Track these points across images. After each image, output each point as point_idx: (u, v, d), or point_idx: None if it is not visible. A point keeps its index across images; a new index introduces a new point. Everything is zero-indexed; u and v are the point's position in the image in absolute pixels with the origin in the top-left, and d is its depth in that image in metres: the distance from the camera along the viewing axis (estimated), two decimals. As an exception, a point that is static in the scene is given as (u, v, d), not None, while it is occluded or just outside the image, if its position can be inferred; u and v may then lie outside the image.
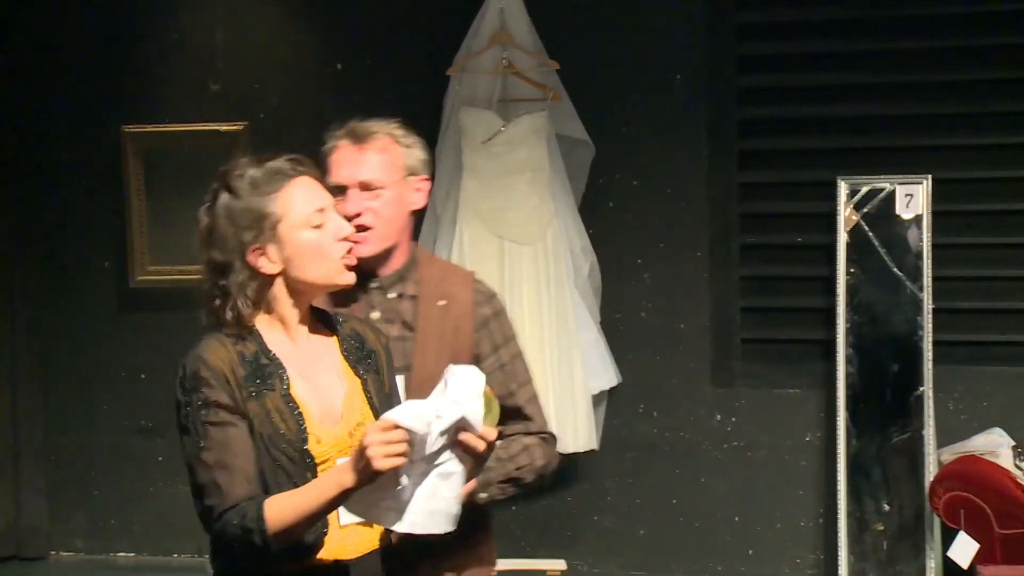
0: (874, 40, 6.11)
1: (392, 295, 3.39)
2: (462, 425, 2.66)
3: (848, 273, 5.86)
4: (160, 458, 6.62)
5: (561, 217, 6.06)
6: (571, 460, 6.10)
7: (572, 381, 5.96)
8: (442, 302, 3.31)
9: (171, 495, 6.60)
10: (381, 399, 2.99)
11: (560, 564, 5.79)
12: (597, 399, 6.14)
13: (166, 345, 6.63)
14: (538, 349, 5.91)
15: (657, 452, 6.28)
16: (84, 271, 6.69)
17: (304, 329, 2.97)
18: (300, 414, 2.85)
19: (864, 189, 5.88)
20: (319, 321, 3.01)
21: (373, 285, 3.37)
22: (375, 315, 3.34)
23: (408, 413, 2.63)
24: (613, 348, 6.17)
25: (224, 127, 6.43)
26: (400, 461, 2.60)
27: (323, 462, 2.85)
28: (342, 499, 2.69)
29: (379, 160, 3.44)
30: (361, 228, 3.27)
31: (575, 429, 5.95)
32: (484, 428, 2.69)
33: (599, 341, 6.13)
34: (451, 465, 2.70)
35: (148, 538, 6.76)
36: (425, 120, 6.21)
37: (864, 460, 5.82)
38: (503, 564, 5.73)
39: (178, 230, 6.50)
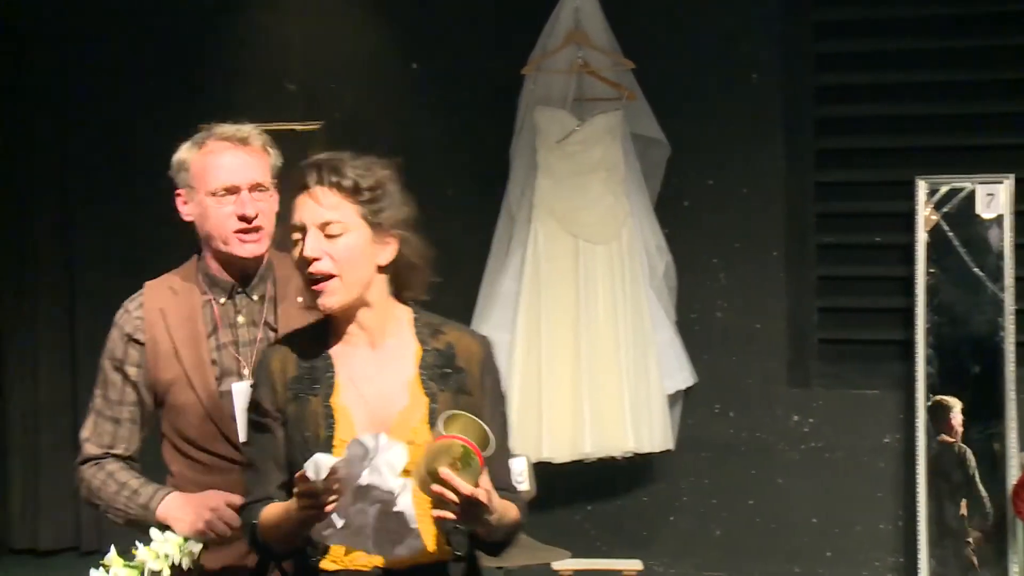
0: (954, 37, 6.04)
1: (255, 297, 3.38)
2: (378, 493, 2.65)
3: (928, 273, 5.80)
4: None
5: (636, 216, 6.05)
6: (646, 460, 6.09)
7: (647, 381, 5.95)
8: (300, 299, 3.16)
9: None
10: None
11: (636, 564, 5.77)
12: (672, 399, 6.12)
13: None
14: (613, 349, 5.91)
15: (733, 452, 6.25)
16: (165, 269, 6.74)
17: (388, 336, 2.94)
18: (333, 423, 2.84)
19: (944, 189, 5.81)
20: (412, 329, 2.96)
21: (238, 289, 3.37)
22: (240, 319, 3.34)
23: (319, 465, 2.63)
24: (688, 348, 6.14)
25: (300, 126, 6.46)
26: (312, 512, 2.66)
27: None
28: (305, 524, 2.71)
29: (261, 162, 3.40)
30: (256, 229, 3.29)
31: (650, 429, 5.94)
32: (460, 483, 2.65)
33: (674, 341, 6.11)
34: (401, 502, 2.67)
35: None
36: (499, 119, 6.24)
37: (944, 463, 5.76)
38: (579, 564, 5.74)
39: (255, 229, 6.56)
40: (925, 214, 5.82)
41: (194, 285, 3.36)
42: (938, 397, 5.78)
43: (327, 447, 2.79)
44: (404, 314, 2.97)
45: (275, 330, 3.32)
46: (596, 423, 5.87)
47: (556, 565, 5.62)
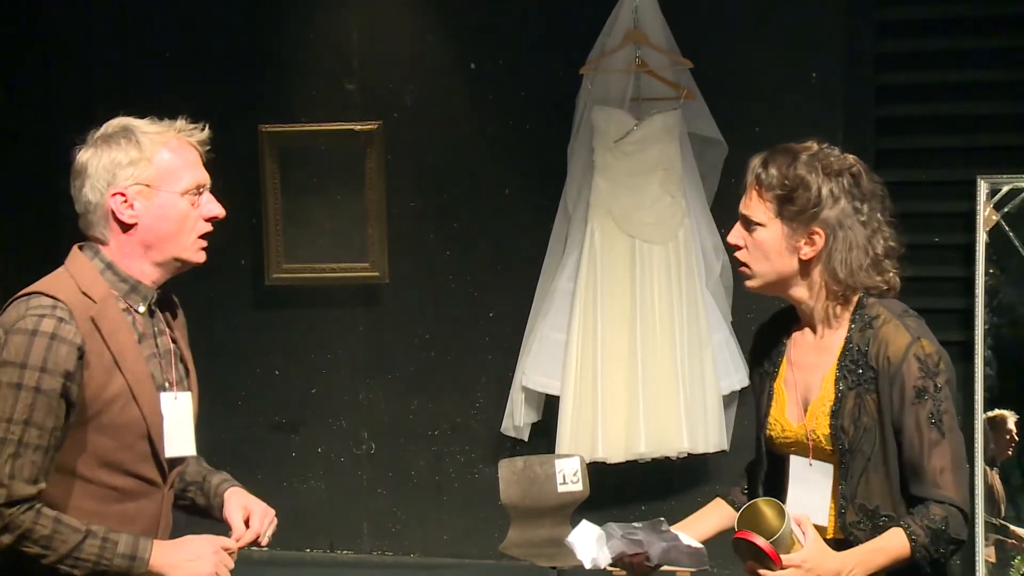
0: (1015, 36, 5.98)
1: (158, 306, 3.25)
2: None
3: (987, 274, 5.75)
4: (293, 454, 6.71)
5: (693, 216, 6.03)
6: (701, 461, 6.07)
7: (703, 381, 5.93)
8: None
9: (304, 490, 6.68)
10: (879, 419, 2.97)
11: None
12: (727, 400, 6.10)
13: (300, 342, 6.73)
14: (669, 349, 5.90)
15: (789, 454, 6.21)
16: (221, 269, 6.79)
17: (830, 326, 3.07)
18: (770, 402, 3.11)
19: (1005, 188, 5.77)
20: (848, 321, 3.05)
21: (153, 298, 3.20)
22: (156, 328, 3.19)
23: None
24: (744, 349, 6.11)
25: (359, 126, 6.49)
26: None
27: (789, 444, 3.09)
28: None
29: None
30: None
31: (705, 430, 5.92)
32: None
33: (730, 341, 6.09)
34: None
35: (281, 533, 6.80)
36: (557, 119, 6.24)
37: (1003, 464, 5.71)
38: (632, 564, 5.73)
39: (313, 229, 6.58)
40: (985, 214, 5.77)
41: (108, 291, 3.04)
42: (994, 413, 5.72)
43: (762, 424, 3.16)
44: (852, 304, 3.07)
45: (175, 340, 3.20)
46: (651, 423, 5.86)
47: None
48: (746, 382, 6.12)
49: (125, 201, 3.05)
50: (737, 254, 3.13)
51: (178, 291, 7.20)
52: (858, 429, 2.96)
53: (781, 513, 2.83)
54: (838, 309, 3.05)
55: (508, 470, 5.62)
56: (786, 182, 3.01)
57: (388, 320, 6.66)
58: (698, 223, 6.07)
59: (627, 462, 5.92)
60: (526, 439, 6.28)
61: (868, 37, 6.15)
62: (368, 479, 6.69)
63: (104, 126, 3.13)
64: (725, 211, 6.17)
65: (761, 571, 2.84)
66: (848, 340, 3.01)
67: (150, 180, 3.06)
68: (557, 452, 5.90)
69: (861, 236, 3.04)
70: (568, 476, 5.65)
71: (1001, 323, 5.75)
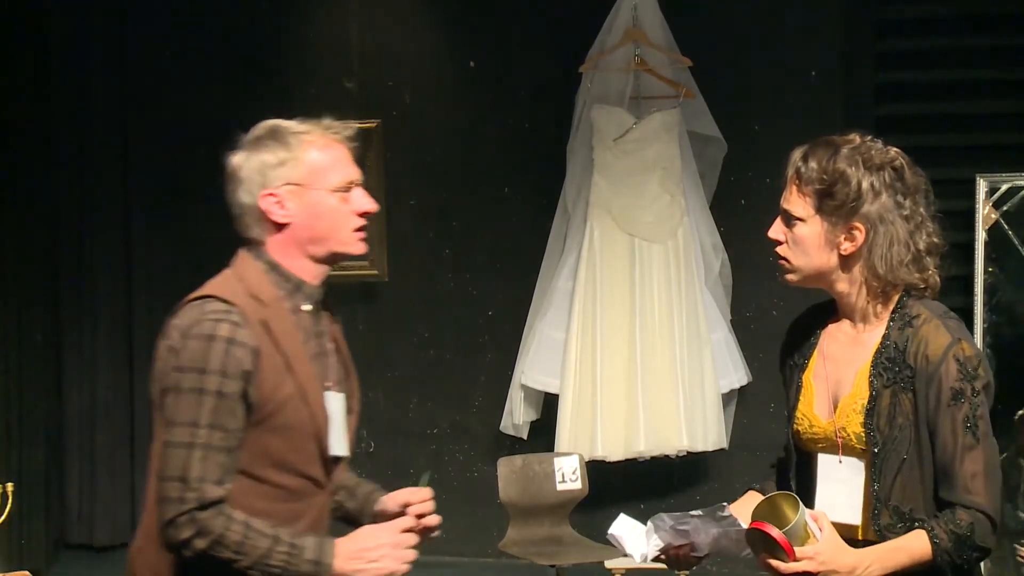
0: (1014, 35, 5.99)
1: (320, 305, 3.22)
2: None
3: (986, 272, 5.76)
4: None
5: (692, 215, 6.03)
6: (700, 459, 6.07)
7: (702, 380, 5.94)
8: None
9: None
10: (914, 421, 2.93)
11: (689, 563, 5.75)
12: (727, 398, 6.10)
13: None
14: (668, 347, 5.90)
15: (788, 452, 6.22)
16: (221, 267, 6.78)
17: (869, 321, 3.02)
18: (798, 396, 3.07)
19: (1004, 187, 5.77)
20: (888, 318, 3.01)
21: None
22: (318, 328, 3.17)
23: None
24: (744, 347, 6.12)
25: (358, 124, 6.44)
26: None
27: (817, 440, 3.03)
28: None
29: None
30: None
31: (704, 428, 5.92)
32: (776, 566, 2.83)
33: (729, 340, 6.10)
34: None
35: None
36: (556, 117, 6.24)
37: (1002, 464, 5.70)
38: (631, 562, 5.72)
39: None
40: (984, 212, 5.77)
41: (276, 292, 3.05)
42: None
43: (791, 418, 3.09)
44: (893, 301, 3.01)
45: (334, 340, 3.20)
46: (650, 422, 5.87)
47: (609, 563, 5.62)
48: (745, 380, 6.13)
49: (277, 201, 3.05)
50: (777, 249, 3.05)
51: (177, 290, 7.19)
52: (893, 428, 2.90)
53: (797, 507, 2.81)
54: (879, 307, 2.99)
55: (507, 468, 5.62)
56: (825, 176, 2.95)
57: (387, 318, 6.67)
58: (697, 221, 6.07)
59: (626, 460, 5.92)
60: (525, 437, 6.28)
61: (867, 35, 6.15)
62: (367, 477, 6.68)
63: (253, 129, 3.14)
64: (724, 209, 6.18)
65: (774, 562, 2.79)
66: (886, 337, 2.96)
67: (300, 179, 3.05)
68: (556, 450, 5.90)
69: (903, 231, 2.98)
70: (567, 474, 5.66)
71: (1000, 321, 5.75)
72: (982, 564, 5.18)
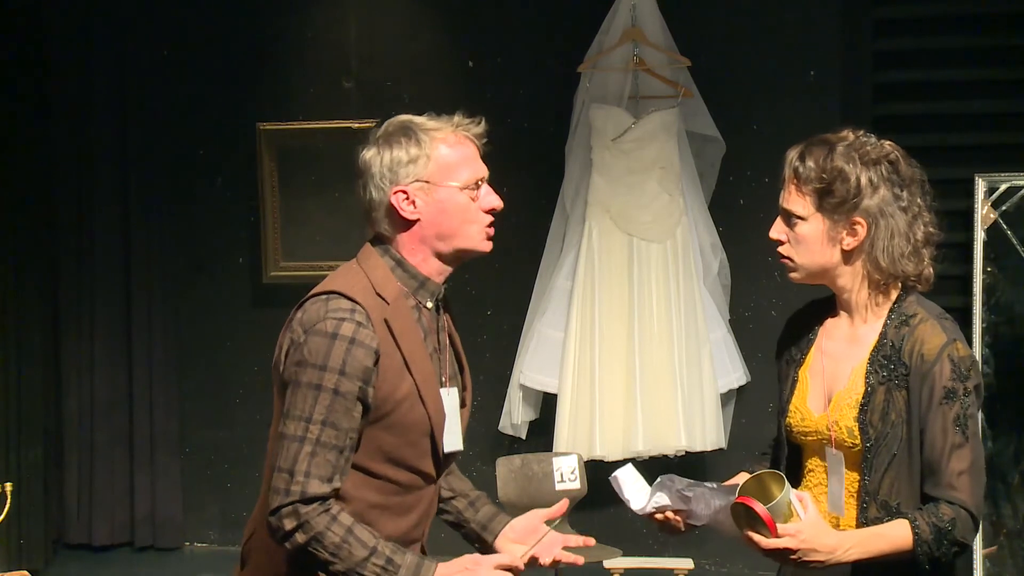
0: (1012, 35, 5.99)
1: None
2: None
3: (985, 272, 5.76)
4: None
5: (691, 214, 6.03)
6: (699, 459, 6.07)
7: (700, 379, 5.94)
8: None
9: (302, 488, 6.67)
10: (907, 418, 2.95)
11: (687, 563, 5.76)
12: (725, 398, 6.10)
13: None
14: (666, 347, 5.90)
15: (787, 452, 6.22)
16: (220, 267, 6.80)
17: (865, 316, 3.06)
18: (792, 390, 3.10)
19: (1003, 187, 5.77)
20: (885, 315, 3.04)
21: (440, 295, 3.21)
22: (438, 325, 3.20)
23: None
24: (742, 346, 6.12)
25: (357, 124, 6.48)
26: None
27: (808, 434, 3.07)
28: None
29: None
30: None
31: (703, 428, 5.92)
32: (758, 540, 2.89)
33: (728, 339, 6.10)
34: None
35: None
36: (555, 117, 6.24)
37: (1000, 463, 5.71)
38: (630, 562, 5.73)
39: (311, 227, 6.58)
40: (983, 212, 5.77)
41: (399, 289, 3.06)
42: None
43: (784, 409, 3.13)
44: (892, 296, 3.05)
45: (449, 335, 3.23)
46: (649, 421, 5.87)
47: (608, 563, 5.62)
48: (744, 380, 6.13)
49: (407, 198, 3.05)
50: (779, 248, 3.09)
51: (177, 289, 7.19)
52: (885, 424, 2.94)
53: (783, 485, 2.83)
54: (880, 299, 3.04)
55: (506, 468, 5.62)
56: (824, 175, 2.99)
57: (386, 318, 6.66)
58: (696, 221, 6.07)
59: (625, 460, 5.92)
60: (524, 437, 6.28)
61: (866, 35, 6.15)
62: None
63: (384, 124, 3.14)
64: (723, 209, 6.18)
65: (755, 537, 2.83)
66: (883, 335, 3.00)
67: (430, 176, 3.06)
68: (555, 450, 5.90)
69: (902, 223, 3.03)
70: (566, 474, 5.65)
71: (999, 321, 5.75)
72: (981, 564, 5.19)
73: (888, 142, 3.08)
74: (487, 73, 6.51)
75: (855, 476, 3.00)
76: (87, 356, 6.87)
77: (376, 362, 2.95)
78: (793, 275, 3.10)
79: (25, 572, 5.57)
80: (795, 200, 3.04)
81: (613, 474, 3.11)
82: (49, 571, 6.72)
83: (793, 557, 2.84)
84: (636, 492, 3.08)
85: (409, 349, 3.01)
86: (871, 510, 2.97)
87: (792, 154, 3.07)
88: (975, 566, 5.71)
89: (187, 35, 6.76)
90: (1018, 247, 5.73)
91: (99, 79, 6.77)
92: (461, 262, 3.17)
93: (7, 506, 5.53)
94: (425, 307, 3.11)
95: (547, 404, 6.16)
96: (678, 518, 3.05)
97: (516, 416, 6.20)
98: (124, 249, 6.83)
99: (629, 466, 3.13)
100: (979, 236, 5.76)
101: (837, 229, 3.01)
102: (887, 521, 2.93)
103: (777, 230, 3.09)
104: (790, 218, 3.05)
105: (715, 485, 3.04)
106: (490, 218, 3.12)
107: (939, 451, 2.90)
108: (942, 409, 2.92)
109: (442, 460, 3.15)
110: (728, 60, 6.23)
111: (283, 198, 6.61)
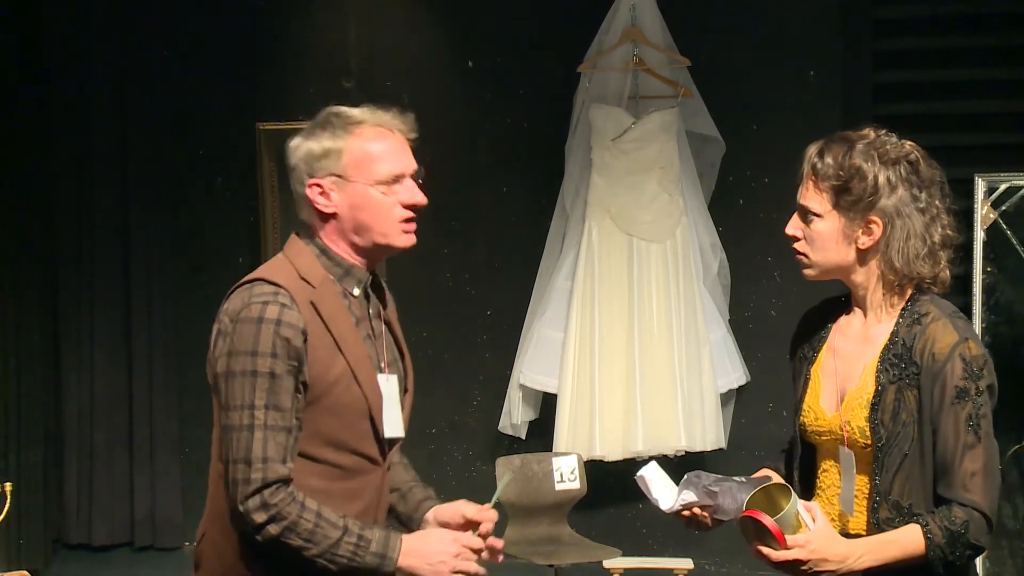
0: (1012, 35, 5.99)
1: (376, 290, 3.26)
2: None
3: (984, 272, 5.76)
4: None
5: (690, 214, 6.03)
6: (699, 459, 6.07)
7: (700, 379, 5.94)
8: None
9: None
10: (918, 418, 2.94)
11: (687, 563, 5.76)
12: (725, 398, 6.10)
13: (298, 340, 6.72)
14: (666, 347, 5.90)
15: (787, 452, 6.22)
16: (220, 267, 6.79)
17: (879, 314, 3.04)
18: (805, 388, 3.09)
19: (1002, 187, 5.77)
20: (898, 314, 3.02)
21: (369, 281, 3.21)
22: (370, 311, 3.20)
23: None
24: (742, 347, 6.12)
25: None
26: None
27: (821, 433, 3.06)
28: None
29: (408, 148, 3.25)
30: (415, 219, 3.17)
31: (703, 428, 5.92)
32: (768, 553, 2.87)
33: (728, 339, 6.10)
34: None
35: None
36: (555, 117, 6.24)
37: (1000, 463, 5.70)
38: (630, 562, 5.73)
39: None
40: (983, 212, 5.77)
41: (325, 275, 3.07)
42: None
43: (798, 408, 3.11)
44: (906, 296, 3.03)
45: (387, 323, 3.24)
46: (649, 422, 5.87)
47: (607, 563, 5.62)
48: (744, 380, 6.13)
49: (322, 192, 3.06)
50: (795, 245, 3.08)
51: (176, 289, 7.18)
52: (896, 424, 2.92)
53: (790, 497, 2.82)
54: (894, 299, 3.02)
55: (506, 468, 5.62)
56: (842, 172, 2.98)
57: (386, 318, 6.66)
58: (696, 221, 6.07)
59: (625, 460, 5.92)
60: (524, 437, 6.28)
61: (865, 35, 6.15)
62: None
63: (319, 114, 3.12)
64: (723, 209, 6.18)
65: (765, 550, 2.82)
66: (894, 334, 2.98)
67: (343, 171, 3.05)
68: (554, 450, 5.90)
69: (919, 224, 3.00)
70: (565, 474, 5.66)
71: (999, 321, 5.75)
72: (981, 564, 5.18)
73: (909, 142, 3.07)
74: (487, 73, 6.51)
75: (866, 476, 2.98)
76: (87, 356, 6.86)
77: (305, 341, 2.96)
78: (807, 272, 3.09)
79: (25, 572, 5.58)
80: (812, 196, 3.03)
81: (639, 473, 3.10)
82: (49, 571, 6.72)
83: (804, 568, 2.82)
84: (663, 490, 3.07)
85: (339, 331, 3.02)
86: (882, 511, 2.95)
87: (811, 150, 3.06)
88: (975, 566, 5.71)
89: (187, 35, 6.76)
90: (1018, 247, 5.73)
91: (99, 79, 6.76)
92: (385, 255, 3.18)
93: (7, 506, 5.54)
94: (352, 294, 3.11)
95: (547, 404, 6.16)
96: (705, 514, 3.04)
97: (516, 416, 6.20)
98: (124, 249, 6.83)
99: (653, 464, 3.13)
100: (979, 236, 5.76)
101: (853, 227, 2.99)
102: (898, 522, 2.91)
103: (793, 226, 3.08)
104: (806, 214, 3.04)
105: (743, 479, 3.04)
106: (408, 213, 3.10)
107: (951, 451, 2.89)
108: (954, 409, 2.91)
109: (385, 444, 3.14)
110: (728, 60, 6.23)
111: (283, 198, 6.61)
